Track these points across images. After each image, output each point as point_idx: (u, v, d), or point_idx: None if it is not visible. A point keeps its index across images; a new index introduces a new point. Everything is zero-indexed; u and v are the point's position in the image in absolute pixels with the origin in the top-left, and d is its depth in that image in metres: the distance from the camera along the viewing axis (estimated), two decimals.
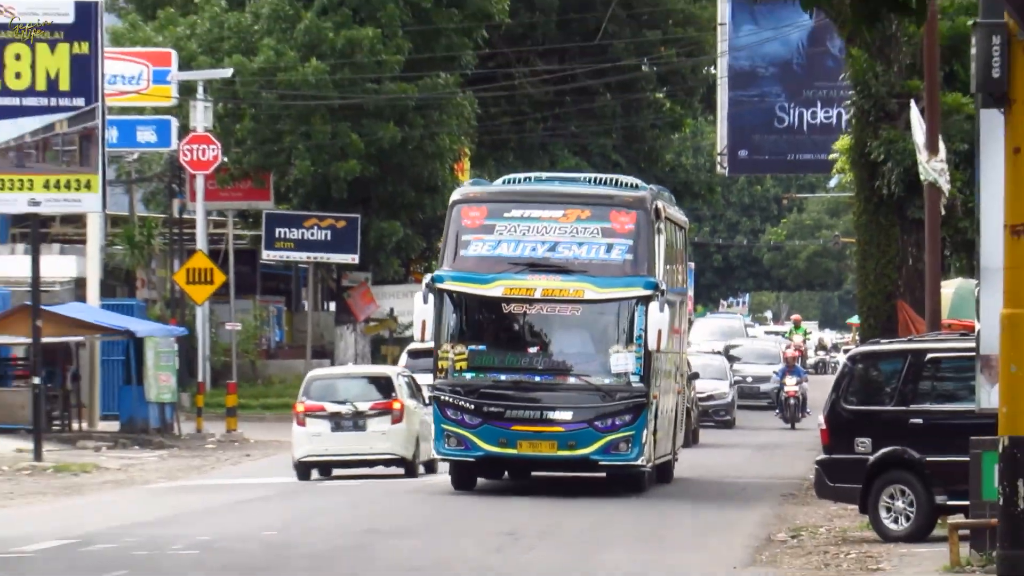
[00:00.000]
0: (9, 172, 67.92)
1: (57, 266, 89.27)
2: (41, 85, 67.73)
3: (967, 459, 29.44)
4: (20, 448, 68.62)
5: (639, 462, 38.34)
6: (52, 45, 68.06)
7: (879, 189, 56.37)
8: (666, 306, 38.90)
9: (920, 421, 39.30)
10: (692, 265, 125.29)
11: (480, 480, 42.93)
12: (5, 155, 67.59)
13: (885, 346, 43.63)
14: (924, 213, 48.17)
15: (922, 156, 46.38)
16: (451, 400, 37.74)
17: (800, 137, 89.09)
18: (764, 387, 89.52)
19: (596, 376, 38.15)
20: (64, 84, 68.24)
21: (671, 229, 44.49)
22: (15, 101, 67.87)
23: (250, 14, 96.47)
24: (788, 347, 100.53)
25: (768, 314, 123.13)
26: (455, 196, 42.63)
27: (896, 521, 39.59)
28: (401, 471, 60.29)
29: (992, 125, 22.11)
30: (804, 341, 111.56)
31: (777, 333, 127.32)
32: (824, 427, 42.00)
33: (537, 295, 37.11)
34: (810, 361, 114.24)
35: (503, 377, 37.31)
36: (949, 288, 50.71)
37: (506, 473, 45.23)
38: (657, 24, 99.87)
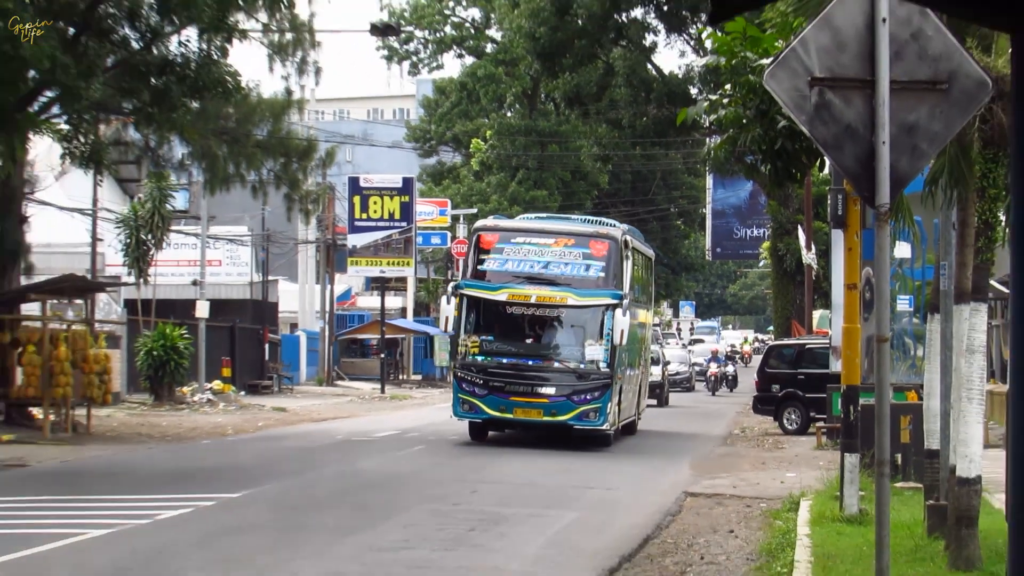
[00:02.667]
0: (370, 256, 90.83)
1: (392, 301, 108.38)
2: (385, 216, 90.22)
3: (824, 395, 43.11)
4: (373, 387, 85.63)
5: (604, 427, 41.24)
6: (391, 196, 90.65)
7: (783, 266, 77.35)
8: (628, 312, 41.90)
9: (802, 377, 55.96)
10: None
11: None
12: (369, 249, 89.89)
13: (785, 341, 65.75)
14: (804, 278, 67.82)
15: (804, 251, 62.30)
16: (466, 376, 40.76)
17: (745, 242, 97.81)
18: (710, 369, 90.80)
19: (574, 362, 41.08)
20: (396, 215, 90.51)
21: (637, 257, 48.36)
22: (372, 224, 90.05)
23: (485, 183, 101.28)
24: (717, 344, 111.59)
25: (731, 327, 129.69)
26: (476, 225, 48.29)
27: (791, 424, 56.47)
28: None
29: (838, 237, 31.61)
30: (745, 344, 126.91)
31: (734, 340, 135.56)
32: (756, 379, 60.98)
33: (532, 300, 40.53)
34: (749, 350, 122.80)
35: (504, 361, 40.44)
36: (816, 315, 71.12)
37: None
38: (679, 188, 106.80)
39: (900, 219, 20.05)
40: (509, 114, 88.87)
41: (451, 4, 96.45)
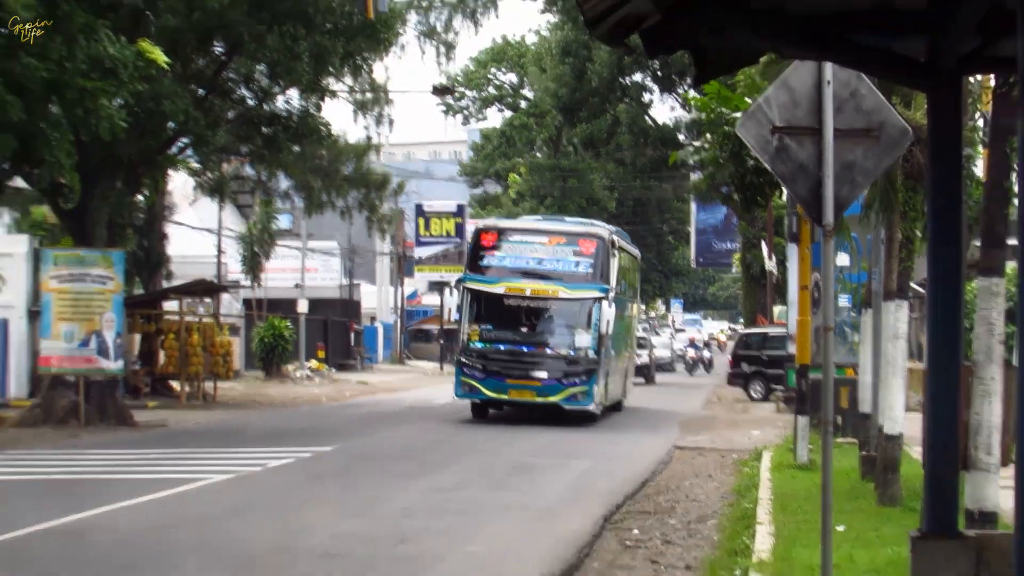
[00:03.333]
0: (432, 264, 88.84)
1: (449, 300, 77.40)
2: (443, 233, 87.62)
3: (782, 371, 39.83)
4: (434, 367, 79.42)
5: (590, 408, 36.97)
6: (448, 218, 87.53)
7: (750, 272, 73.02)
8: (613, 304, 37.79)
9: (765, 358, 54.28)
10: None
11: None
12: (430, 259, 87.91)
13: (752, 331, 63.30)
14: (767, 282, 63.47)
15: (767, 261, 58.08)
16: (467, 361, 36.69)
17: (722, 254, 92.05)
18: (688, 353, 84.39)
19: (564, 348, 36.63)
20: (452, 233, 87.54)
21: (623, 256, 42.92)
22: (433, 240, 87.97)
23: (520, 209, 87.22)
24: (695, 333, 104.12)
25: (710, 319, 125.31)
26: (479, 226, 42.65)
27: (756, 394, 55.28)
28: None
29: (793, 250, 30.37)
30: (720, 334, 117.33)
31: (713, 330, 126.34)
32: (730, 359, 60.51)
33: (527, 293, 36.21)
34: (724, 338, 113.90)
35: (502, 347, 36.29)
36: (776, 310, 64.67)
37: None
38: (670, 211, 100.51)
39: (841, 235, 19.97)
40: (538, 155, 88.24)
41: (493, 70, 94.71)
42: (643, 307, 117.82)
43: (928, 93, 7.63)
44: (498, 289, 35.92)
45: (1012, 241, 16.40)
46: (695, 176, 57.41)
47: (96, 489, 21.88)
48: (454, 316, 39.25)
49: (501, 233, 38.16)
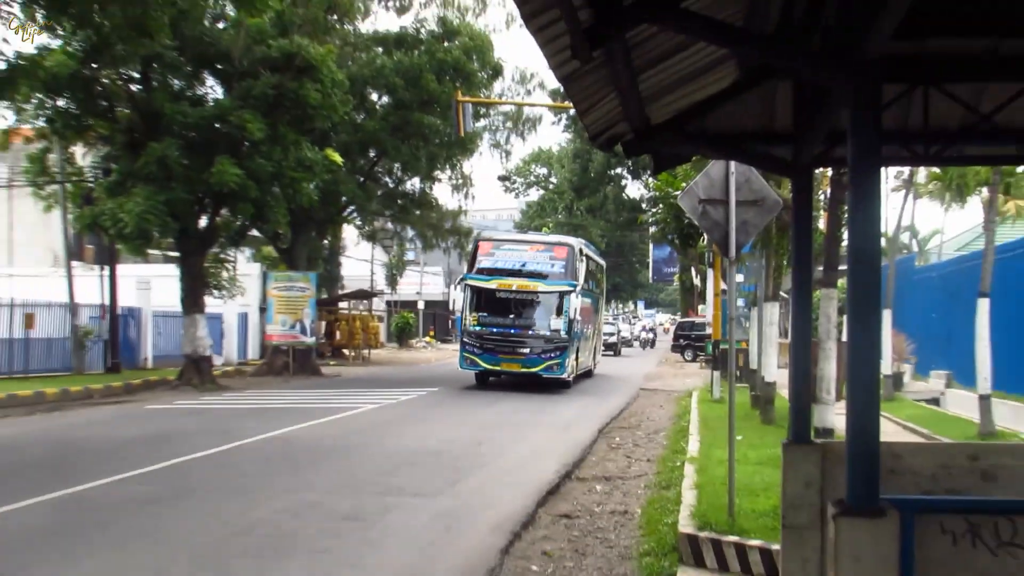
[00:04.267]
0: None
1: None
2: None
3: (703, 344, 42.75)
4: None
5: (564, 376, 30.75)
6: None
7: (684, 285, 69.00)
8: (580, 296, 31.88)
9: (693, 335, 53.30)
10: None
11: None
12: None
13: (685, 320, 62.04)
14: (694, 291, 59.18)
15: (694, 278, 57.56)
16: (468, 341, 30.84)
17: (667, 273, 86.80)
18: (641, 335, 79.68)
19: (542, 330, 30.49)
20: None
21: (590, 262, 36.56)
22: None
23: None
24: (647, 322, 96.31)
25: (660, 313, 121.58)
26: (476, 236, 36.39)
27: (688, 357, 53.45)
28: None
29: (710, 272, 32.78)
30: (666, 323, 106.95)
31: (662, 320, 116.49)
32: (673, 336, 61.16)
33: (514, 288, 30.47)
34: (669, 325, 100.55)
35: (495, 330, 30.40)
36: (700, 307, 57.13)
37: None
38: (637, 250, 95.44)
39: (740, 263, 20.02)
40: (559, 216, 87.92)
41: (533, 166, 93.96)
42: (616, 304, 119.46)
43: (792, 179, 7.59)
44: (492, 285, 30.52)
45: (842, 267, 16.69)
46: (652, 229, 57.25)
47: (299, 413, 21.89)
48: (457, 309, 31.61)
49: (495, 243, 32.59)
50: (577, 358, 32.46)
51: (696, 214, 11.04)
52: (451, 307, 32.64)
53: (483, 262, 31.33)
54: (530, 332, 30.43)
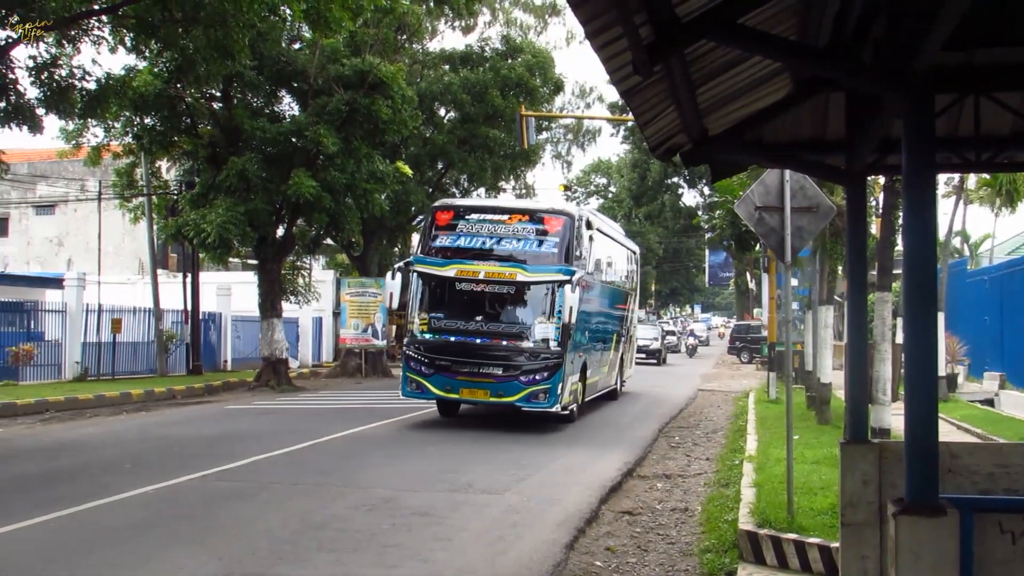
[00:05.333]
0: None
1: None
2: None
3: (759, 346, 43.86)
4: None
5: (554, 409, 20.43)
6: None
7: (740, 289, 65.19)
8: (585, 290, 21.43)
9: (749, 337, 52.62)
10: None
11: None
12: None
13: (741, 323, 60.55)
14: (749, 294, 47.02)
15: (750, 282, 53.54)
16: (414, 354, 20.74)
17: (723, 278, 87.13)
18: (688, 340, 64.97)
19: (523, 340, 20.40)
20: None
21: (607, 242, 25.65)
22: None
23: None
24: (693, 325, 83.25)
25: (716, 316, 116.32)
26: (435, 204, 23.53)
27: (744, 359, 52.18)
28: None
29: (765, 277, 21.97)
30: (722, 327, 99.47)
31: (717, 323, 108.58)
32: (729, 338, 58.87)
33: (481, 276, 20.62)
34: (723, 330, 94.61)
35: (452, 339, 20.58)
36: (755, 311, 60.90)
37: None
38: (694, 255, 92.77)
39: (795, 268, 19.76)
40: (619, 224, 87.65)
41: (593, 176, 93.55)
42: (674, 307, 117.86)
43: (846, 187, 7.53)
44: (448, 272, 20.89)
45: (896, 271, 16.48)
46: (708, 235, 56.93)
47: (371, 413, 22.06)
48: (394, 305, 21.70)
49: (457, 212, 22.04)
50: (583, 379, 22.27)
51: (752, 221, 10.96)
52: (387, 303, 21.39)
53: (440, 239, 21.15)
54: (504, 343, 20.09)
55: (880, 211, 17.00)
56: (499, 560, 9.38)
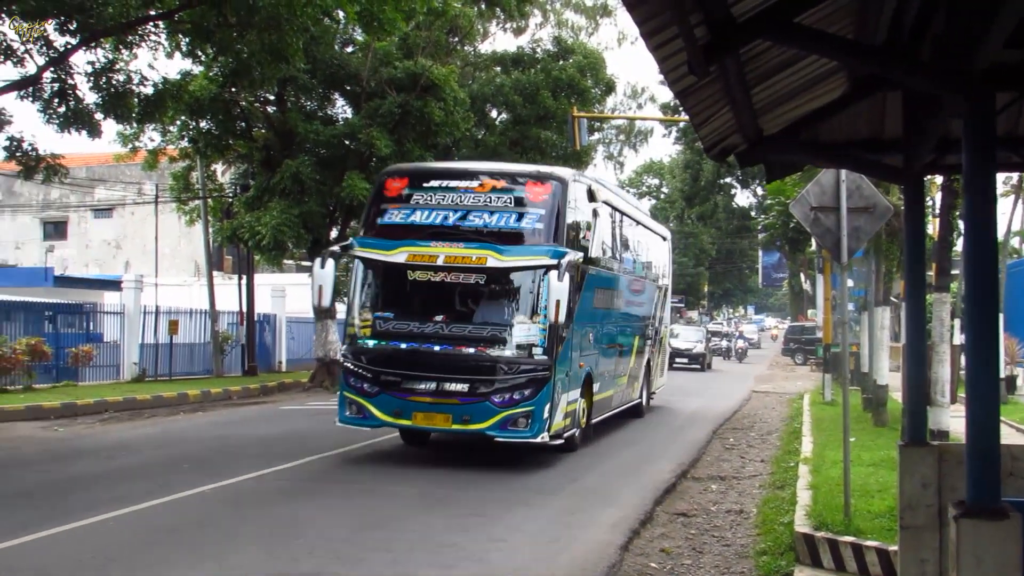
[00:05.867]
0: None
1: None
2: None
3: (814, 347, 42.51)
4: None
5: (538, 439, 14.73)
6: None
7: (794, 290, 58.65)
8: (567, 276, 14.88)
9: (803, 338, 51.91)
10: None
11: None
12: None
13: (795, 324, 60.29)
14: (803, 295, 52.97)
15: (804, 283, 55.05)
16: (353, 367, 15.74)
17: (777, 279, 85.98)
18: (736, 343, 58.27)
19: (496, 348, 14.96)
20: None
21: (620, 218, 20.04)
22: None
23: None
24: (742, 327, 78.24)
25: (769, 317, 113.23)
26: (384, 170, 17.96)
27: (799, 360, 51.21)
28: None
29: (819, 278, 20.88)
30: (774, 328, 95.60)
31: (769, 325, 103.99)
32: (783, 340, 58.98)
33: (439, 262, 15.29)
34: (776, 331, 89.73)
35: (403, 346, 15.31)
36: (809, 312, 60.20)
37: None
38: (747, 256, 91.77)
39: (850, 268, 19.61)
40: (671, 225, 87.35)
41: (645, 177, 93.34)
42: (727, 308, 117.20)
43: (904, 187, 7.46)
44: (396, 257, 15.61)
45: (954, 271, 16.32)
46: (761, 235, 56.47)
47: None
48: (324, 303, 16.21)
49: (412, 178, 16.51)
50: (588, 394, 17.09)
51: (808, 221, 10.88)
52: (315, 301, 16.07)
53: (389, 214, 16.00)
54: (472, 351, 14.89)
55: (938, 211, 16.88)
56: (554, 561, 9.35)
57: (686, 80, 5.40)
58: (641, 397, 22.64)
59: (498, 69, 37.56)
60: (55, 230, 51.98)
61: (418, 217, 15.59)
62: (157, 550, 9.35)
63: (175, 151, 30.18)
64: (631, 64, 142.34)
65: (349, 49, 30.63)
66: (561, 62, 36.89)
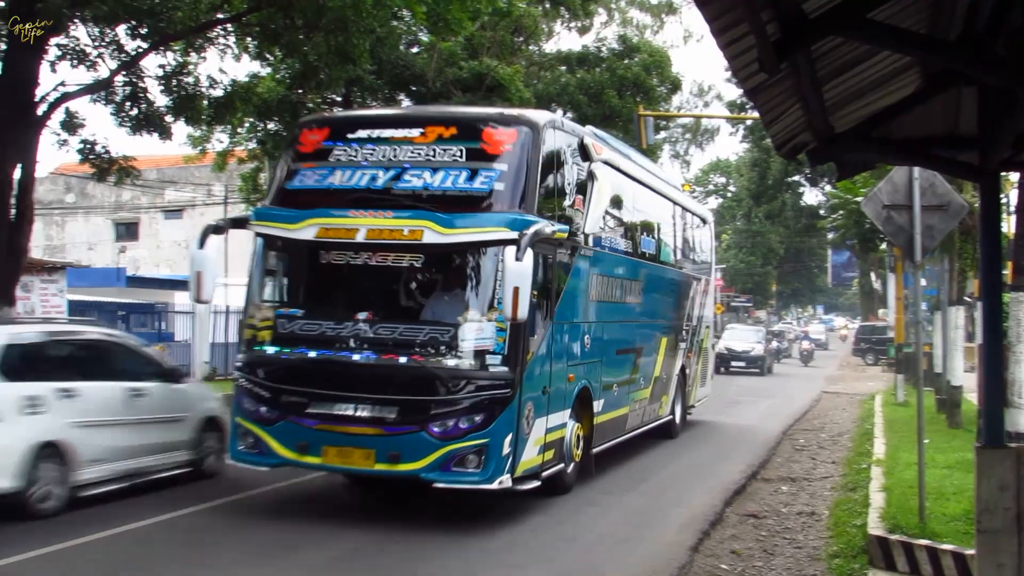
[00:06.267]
0: None
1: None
2: None
3: (885, 347, 41.26)
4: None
5: (494, 485, 9.91)
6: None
7: (864, 289, 65.39)
8: (529, 254, 9.72)
9: (874, 338, 49.22)
10: None
11: None
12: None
13: (866, 324, 57.39)
14: (873, 294, 41.08)
15: (875, 282, 54.53)
16: (247, 385, 10.68)
17: (847, 278, 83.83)
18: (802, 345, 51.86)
19: (438, 357, 10.07)
20: None
21: (638, 190, 15.43)
22: None
23: (731, 254, 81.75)
24: (807, 327, 76.29)
25: (838, 317, 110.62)
26: (302, 120, 13.87)
27: (870, 360, 48.41)
28: None
29: (891, 277, 18.89)
30: (844, 329, 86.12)
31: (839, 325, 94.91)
32: (854, 340, 55.92)
33: (360, 238, 10.12)
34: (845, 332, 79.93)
35: (312, 355, 10.38)
36: (880, 311, 59.90)
37: None
38: (815, 255, 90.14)
39: (923, 267, 19.38)
40: (738, 224, 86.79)
41: (712, 176, 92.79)
42: (795, 308, 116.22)
43: (980, 184, 7.36)
44: (303, 233, 10.76)
45: None
46: (831, 235, 55.71)
47: None
48: (203, 297, 10.87)
49: (335, 129, 11.64)
50: (584, 415, 12.83)
51: (880, 220, 10.76)
52: (192, 294, 11.23)
53: (300, 176, 11.57)
54: (404, 361, 10.48)
55: (1014, 208, 16.57)
56: (623, 562, 9.34)
57: (756, 78, 5.37)
58: (673, 413, 18.21)
59: (563, 68, 37.45)
60: (127, 231, 52.59)
61: (337, 178, 11.12)
62: (219, 549, 9.37)
63: (243, 152, 30.45)
64: (697, 62, 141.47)
65: (414, 50, 30.63)
66: (626, 61, 36.76)
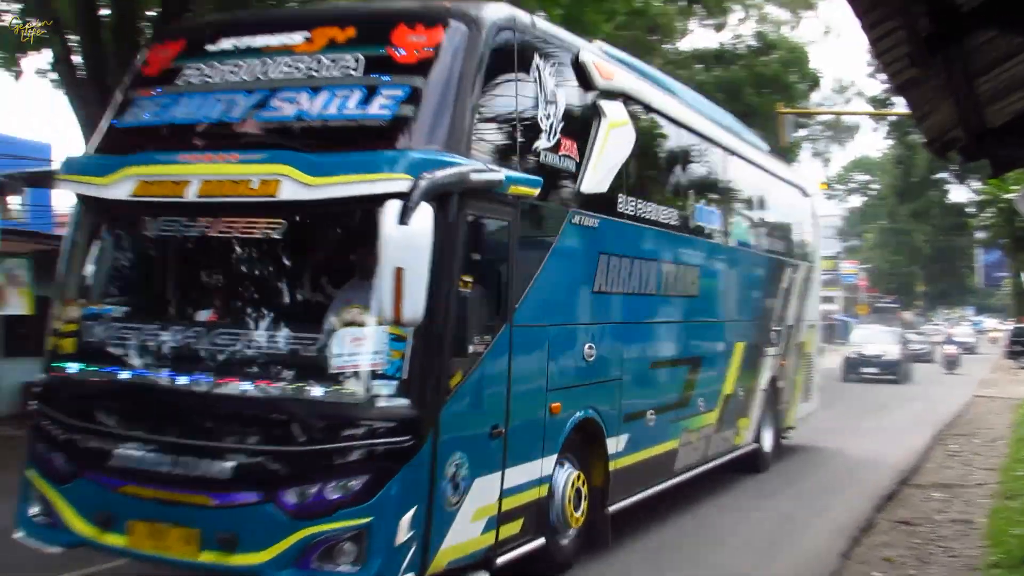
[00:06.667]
0: None
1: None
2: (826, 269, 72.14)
3: None
4: None
5: None
6: (828, 260, 59.95)
7: (1018, 290, 59.81)
8: (422, 213, 5.32)
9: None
10: None
11: None
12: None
13: (1021, 325, 50.60)
14: None
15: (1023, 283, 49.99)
16: (40, 422, 6.28)
17: (998, 279, 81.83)
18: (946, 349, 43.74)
19: (295, 381, 5.67)
20: (831, 268, 67.38)
21: (676, 133, 10.49)
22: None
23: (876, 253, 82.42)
24: (953, 329, 72.38)
25: (989, 318, 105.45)
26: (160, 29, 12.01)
27: (1022, 363, 43.30)
28: None
29: None
30: (993, 331, 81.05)
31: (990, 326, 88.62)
32: (1007, 343, 49.02)
33: (190, 195, 5.51)
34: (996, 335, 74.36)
35: (124, 375, 5.84)
36: None
37: None
38: (962, 253, 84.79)
39: None
40: (883, 222, 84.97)
41: (853, 173, 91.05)
42: (943, 309, 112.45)
43: None
44: (114, 190, 6.16)
45: None
46: (980, 234, 53.82)
47: None
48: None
49: (193, 40, 7.26)
50: (600, 463, 8.75)
51: None
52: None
53: (134, 108, 7.26)
54: (244, 385, 6.17)
55: None
56: (771, 566, 9.28)
57: (907, 73, 5.32)
58: (758, 440, 14.06)
59: (700, 66, 37.30)
60: None
61: (180, 110, 7.12)
62: None
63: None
64: (835, 58, 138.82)
65: None
66: (764, 58, 36.41)
